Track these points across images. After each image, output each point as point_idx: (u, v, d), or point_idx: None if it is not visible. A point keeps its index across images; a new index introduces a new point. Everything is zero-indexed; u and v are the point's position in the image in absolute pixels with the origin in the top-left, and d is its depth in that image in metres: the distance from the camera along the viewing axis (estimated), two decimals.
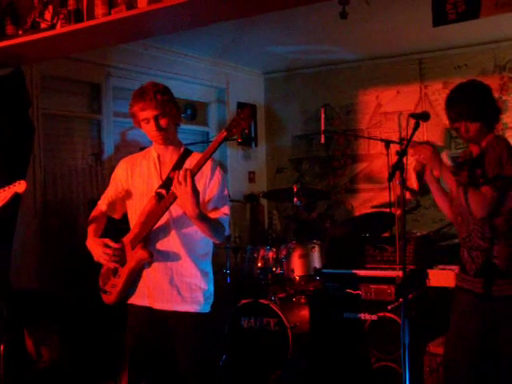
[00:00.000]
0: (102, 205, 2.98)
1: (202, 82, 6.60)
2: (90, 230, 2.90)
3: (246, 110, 2.55)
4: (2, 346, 3.76)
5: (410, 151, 2.73)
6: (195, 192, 2.50)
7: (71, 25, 3.38)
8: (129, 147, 5.61)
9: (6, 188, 2.69)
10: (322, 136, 5.73)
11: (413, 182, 2.92)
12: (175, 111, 2.76)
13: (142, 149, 3.07)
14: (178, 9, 3.11)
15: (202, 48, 6.11)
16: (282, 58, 6.66)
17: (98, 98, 5.60)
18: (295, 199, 4.95)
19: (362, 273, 4.42)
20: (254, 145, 7.14)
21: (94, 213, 3.00)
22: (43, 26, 3.49)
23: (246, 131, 2.50)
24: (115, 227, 2.99)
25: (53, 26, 3.45)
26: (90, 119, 5.61)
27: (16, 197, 2.73)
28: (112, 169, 3.01)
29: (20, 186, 2.69)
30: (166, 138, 2.76)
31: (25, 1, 3.59)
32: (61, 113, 5.31)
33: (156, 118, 2.69)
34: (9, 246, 4.27)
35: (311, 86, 7.06)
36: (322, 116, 5.65)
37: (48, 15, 3.48)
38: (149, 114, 2.69)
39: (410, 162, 2.75)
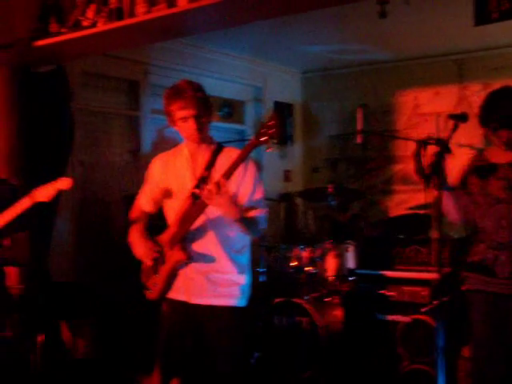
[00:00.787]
0: (143, 205, 3.00)
1: (240, 81, 6.63)
2: (133, 228, 2.90)
3: (274, 118, 2.52)
4: (40, 337, 3.85)
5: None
6: (231, 199, 2.52)
7: (112, 23, 3.44)
8: (166, 144, 5.64)
9: (51, 184, 2.73)
10: (359, 136, 5.69)
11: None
12: (211, 109, 2.78)
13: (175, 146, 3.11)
14: (217, 7, 3.13)
15: (240, 46, 6.13)
16: (319, 58, 6.64)
17: (137, 95, 5.67)
18: (330, 199, 4.93)
19: (396, 274, 4.40)
20: (290, 144, 7.14)
21: (133, 213, 3.01)
22: (85, 24, 3.55)
23: (275, 141, 2.47)
24: (152, 224, 3.01)
25: (94, 24, 3.51)
26: (128, 116, 5.67)
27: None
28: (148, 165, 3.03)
29: (65, 183, 2.73)
30: (201, 137, 2.76)
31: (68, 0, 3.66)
32: (100, 109, 5.38)
33: (196, 117, 2.68)
34: (48, 240, 4.35)
35: (348, 85, 7.02)
36: (359, 116, 5.61)
37: (90, 13, 3.54)
38: (189, 112, 2.68)
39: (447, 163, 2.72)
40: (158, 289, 2.83)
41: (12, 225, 2.83)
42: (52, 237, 4.41)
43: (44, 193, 2.72)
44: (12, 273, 3.80)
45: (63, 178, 2.75)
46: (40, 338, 3.98)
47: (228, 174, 2.54)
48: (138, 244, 2.81)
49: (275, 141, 2.55)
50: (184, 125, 2.72)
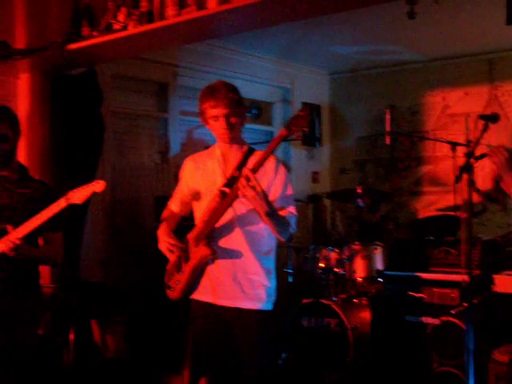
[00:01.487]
0: (172, 205, 3.02)
1: (268, 82, 6.64)
2: (162, 225, 2.92)
3: (306, 108, 2.55)
4: (71, 335, 3.91)
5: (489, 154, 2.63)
6: (262, 191, 2.51)
7: (143, 26, 3.47)
8: (195, 145, 5.70)
9: (85, 186, 2.76)
10: (387, 137, 5.67)
11: (480, 185, 2.87)
12: (243, 111, 2.81)
13: (207, 147, 3.11)
14: (246, 9, 3.14)
15: (268, 48, 6.15)
16: (347, 59, 6.63)
17: (166, 96, 5.71)
18: (359, 200, 4.93)
19: (425, 276, 4.37)
20: (318, 145, 7.13)
21: (165, 213, 3.04)
22: (116, 27, 3.59)
23: (305, 129, 2.48)
24: (184, 225, 3.04)
25: (125, 27, 3.55)
26: (158, 118, 5.72)
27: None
28: (178, 167, 3.06)
29: (98, 186, 2.74)
30: (231, 137, 2.78)
31: (100, 3, 3.71)
32: (129, 111, 5.44)
33: (226, 116, 2.71)
34: (79, 241, 4.41)
35: (376, 86, 6.99)
36: (388, 117, 5.59)
37: (121, 17, 3.58)
38: (220, 111, 2.71)
39: (477, 164, 2.70)
40: (181, 287, 2.83)
41: (46, 225, 2.87)
42: (83, 237, 4.47)
43: (79, 195, 2.74)
44: (45, 272, 3.86)
45: (98, 181, 2.76)
46: (71, 337, 4.04)
47: (258, 166, 2.56)
48: (163, 238, 2.83)
49: (306, 130, 2.56)
50: (215, 123, 2.76)
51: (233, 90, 2.75)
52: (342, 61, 6.75)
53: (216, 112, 2.72)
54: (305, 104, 6.71)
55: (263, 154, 2.59)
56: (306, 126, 2.55)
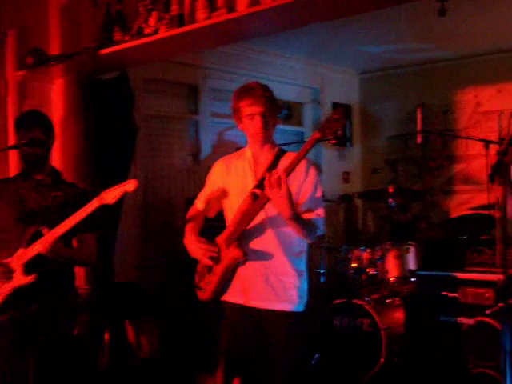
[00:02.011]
0: (198, 204, 3.02)
1: (297, 83, 6.64)
2: (188, 228, 2.94)
3: (339, 110, 2.55)
4: (106, 336, 3.96)
5: None
6: (289, 194, 2.51)
7: (173, 29, 3.50)
8: (225, 147, 5.72)
9: (117, 186, 2.79)
10: (419, 136, 5.64)
11: None
12: (277, 111, 2.82)
13: (237, 149, 3.13)
14: (276, 11, 3.14)
15: (297, 48, 6.15)
16: (377, 57, 6.60)
17: (196, 99, 5.75)
18: (390, 200, 4.90)
19: (459, 275, 4.33)
20: (348, 145, 7.11)
21: (190, 212, 3.05)
22: (147, 31, 3.62)
23: (339, 132, 2.49)
24: (210, 225, 3.06)
25: (156, 31, 3.58)
26: (188, 120, 5.76)
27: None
28: (209, 168, 3.08)
29: (130, 185, 2.76)
30: (265, 137, 2.78)
31: (131, 8, 3.74)
32: (160, 114, 5.49)
33: (262, 115, 2.72)
34: (113, 242, 4.46)
35: (407, 85, 6.95)
36: (419, 116, 5.56)
37: (152, 21, 3.61)
38: (256, 109, 2.71)
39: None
40: (211, 288, 2.83)
41: (80, 227, 2.92)
42: (116, 239, 4.52)
43: (112, 195, 2.77)
44: (80, 273, 3.92)
45: (129, 180, 2.79)
46: (106, 338, 4.09)
47: (291, 168, 2.56)
48: (193, 244, 2.84)
49: (340, 133, 2.57)
50: (250, 122, 2.76)
51: (268, 89, 2.77)
52: (371, 60, 6.72)
53: (252, 110, 2.72)
54: (338, 107, 6.71)
55: (296, 157, 2.58)
56: (340, 129, 2.54)
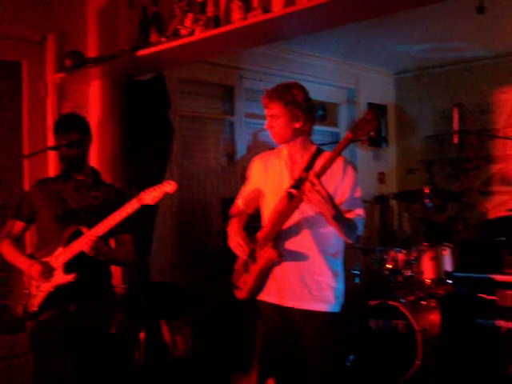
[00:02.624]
0: (239, 202, 3.04)
1: (332, 83, 6.63)
2: (231, 224, 2.94)
3: (371, 111, 2.54)
4: (142, 334, 4.01)
5: None
6: (328, 195, 2.50)
7: (209, 30, 3.52)
8: (260, 148, 5.73)
9: (157, 187, 2.81)
10: (455, 136, 5.56)
11: None
12: (300, 114, 2.76)
13: (272, 149, 3.13)
14: (311, 11, 3.13)
15: (332, 49, 6.14)
16: (412, 57, 6.55)
17: (231, 99, 5.78)
18: (426, 201, 4.85)
19: (497, 278, 4.25)
20: (384, 145, 7.06)
21: (233, 209, 3.06)
22: (183, 32, 3.65)
23: (372, 134, 2.46)
24: (250, 225, 3.07)
25: (192, 33, 3.60)
26: (224, 120, 5.80)
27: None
28: (244, 169, 3.09)
29: (170, 187, 2.79)
30: (279, 138, 2.79)
31: (167, 10, 3.78)
32: (196, 114, 5.53)
33: (273, 117, 2.75)
34: (149, 242, 4.51)
35: (443, 84, 6.87)
36: (456, 116, 5.48)
37: (188, 22, 3.63)
38: (268, 111, 2.77)
39: None
40: (248, 287, 2.85)
41: (118, 227, 2.96)
42: (152, 239, 4.56)
43: (151, 196, 2.81)
44: (116, 273, 3.97)
45: (169, 181, 2.81)
46: (142, 337, 4.13)
47: (322, 170, 2.55)
48: (234, 236, 2.84)
49: (372, 134, 2.56)
50: (267, 122, 2.80)
51: (289, 92, 2.73)
52: (406, 59, 6.67)
53: (266, 111, 2.78)
54: (370, 107, 6.67)
55: (329, 158, 2.57)
56: (373, 130, 2.53)
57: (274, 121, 2.75)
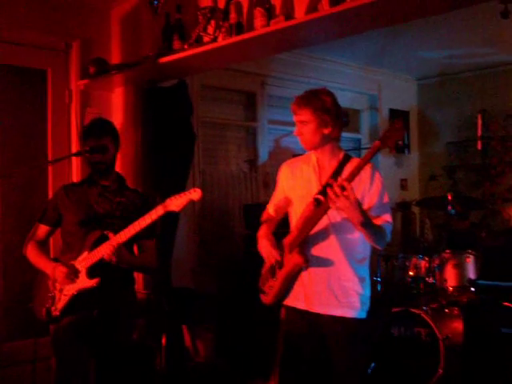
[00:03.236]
0: (270, 209, 3.05)
1: (355, 89, 6.61)
2: (261, 229, 2.96)
3: (400, 120, 2.53)
4: (164, 339, 4.02)
5: None
6: (357, 201, 2.51)
7: (232, 37, 3.53)
8: (282, 154, 5.74)
9: (182, 194, 2.83)
10: (479, 143, 5.52)
11: None
12: (330, 120, 2.77)
13: (294, 155, 3.13)
14: (334, 18, 3.12)
15: (354, 55, 6.12)
16: (435, 63, 6.51)
17: (254, 106, 5.79)
18: (449, 207, 4.81)
19: None
20: (406, 152, 7.02)
21: (264, 216, 3.07)
22: (206, 39, 3.67)
23: (400, 142, 2.46)
24: (278, 232, 3.06)
25: (215, 39, 3.62)
26: (246, 127, 5.80)
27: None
28: (266, 175, 3.10)
29: (196, 194, 2.81)
30: (309, 144, 2.80)
31: (190, 17, 3.80)
32: (218, 121, 5.54)
33: (304, 123, 2.75)
34: (171, 247, 4.52)
35: (467, 90, 6.83)
36: (479, 122, 5.45)
37: (211, 29, 3.65)
38: (298, 117, 2.77)
39: None
40: (274, 292, 2.85)
41: (141, 233, 2.98)
42: (174, 245, 4.58)
43: (177, 202, 2.82)
44: (138, 279, 3.99)
45: (195, 189, 2.82)
46: (163, 342, 4.14)
47: (352, 176, 2.55)
48: (264, 241, 2.86)
49: (400, 143, 2.55)
50: (297, 129, 2.80)
51: (319, 98, 2.74)
52: (429, 65, 6.63)
53: (295, 117, 2.77)
54: (397, 114, 6.65)
55: (357, 165, 2.58)
56: (401, 139, 2.53)
57: (303, 127, 2.75)
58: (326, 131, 2.76)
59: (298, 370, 2.87)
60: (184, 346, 4.43)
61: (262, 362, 4.24)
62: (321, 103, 2.73)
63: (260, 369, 4.28)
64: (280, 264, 2.82)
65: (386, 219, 2.73)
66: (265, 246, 2.84)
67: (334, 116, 2.76)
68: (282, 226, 3.04)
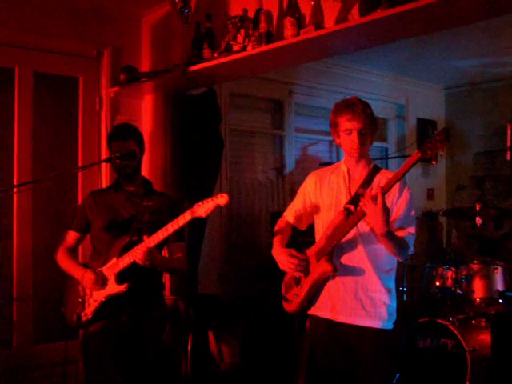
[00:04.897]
0: (288, 216, 3.04)
1: (382, 98, 6.59)
2: (277, 239, 2.95)
3: (443, 131, 2.51)
4: (189, 344, 4.04)
5: None
6: (386, 210, 2.50)
7: (261, 46, 3.55)
8: (308, 162, 5.75)
9: (210, 200, 2.83)
10: (508, 153, 5.46)
11: None
12: (375, 128, 2.81)
13: (321, 164, 3.13)
14: (364, 27, 3.12)
15: (382, 64, 6.12)
16: (464, 72, 6.48)
17: (281, 114, 5.80)
18: (477, 218, 4.77)
19: None
20: (433, 161, 6.98)
21: (279, 223, 3.06)
22: (236, 48, 3.69)
23: (442, 153, 2.44)
24: (301, 240, 3.07)
25: (244, 48, 3.64)
26: (273, 135, 5.82)
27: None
28: (293, 183, 3.10)
29: (222, 199, 2.80)
30: (361, 153, 2.78)
31: (220, 26, 3.83)
32: (245, 128, 5.56)
33: (360, 131, 2.72)
34: (198, 253, 4.55)
35: (495, 100, 6.77)
36: (509, 132, 5.38)
37: (240, 38, 3.67)
38: (355, 125, 2.71)
39: None
40: (299, 300, 2.85)
41: (170, 237, 3.00)
42: (201, 251, 4.60)
43: (204, 208, 2.82)
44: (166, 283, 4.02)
45: (222, 194, 2.82)
46: (189, 347, 4.16)
47: (388, 186, 2.55)
48: (282, 256, 2.84)
49: (442, 153, 2.53)
50: (347, 137, 2.76)
51: (369, 106, 2.77)
52: (458, 75, 6.60)
53: (350, 125, 2.72)
54: (423, 122, 6.61)
55: (395, 175, 2.57)
56: (443, 151, 2.51)
57: (361, 136, 2.74)
58: (372, 140, 2.81)
59: (325, 378, 2.87)
60: (210, 353, 4.44)
61: (287, 367, 4.24)
62: (370, 111, 2.76)
63: (285, 375, 4.28)
64: (306, 272, 2.81)
65: (410, 231, 2.72)
66: (284, 260, 2.82)
67: (375, 126, 2.81)
68: (302, 235, 3.04)
